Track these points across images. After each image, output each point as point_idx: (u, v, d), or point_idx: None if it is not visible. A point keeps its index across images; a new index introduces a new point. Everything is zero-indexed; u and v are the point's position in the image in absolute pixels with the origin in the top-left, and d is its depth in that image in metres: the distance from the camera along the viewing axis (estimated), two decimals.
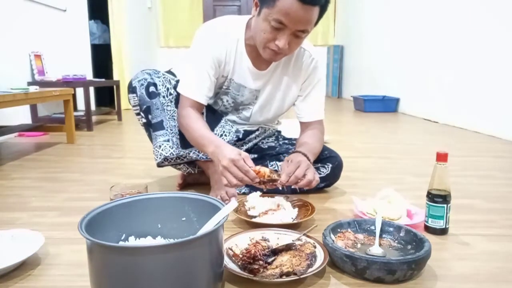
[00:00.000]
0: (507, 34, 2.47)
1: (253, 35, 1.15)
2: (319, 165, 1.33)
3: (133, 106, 1.26)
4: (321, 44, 6.35)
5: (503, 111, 2.51)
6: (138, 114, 1.26)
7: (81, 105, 3.40)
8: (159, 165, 1.28)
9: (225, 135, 1.30)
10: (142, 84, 1.23)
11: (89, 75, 3.78)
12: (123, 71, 4.38)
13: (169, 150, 1.23)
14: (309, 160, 1.10)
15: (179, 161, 1.29)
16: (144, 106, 1.23)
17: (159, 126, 1.23)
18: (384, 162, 1.92)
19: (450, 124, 3.11)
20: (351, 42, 5.71)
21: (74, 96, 2.65)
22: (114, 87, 3.68)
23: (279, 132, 1.53)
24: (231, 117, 1.36)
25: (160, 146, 1.23)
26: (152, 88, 1.23)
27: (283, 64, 1.26)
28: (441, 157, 0.98)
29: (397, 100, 4.13)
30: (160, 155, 1.23)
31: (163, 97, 1.24)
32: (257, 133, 1.40)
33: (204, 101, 1.21)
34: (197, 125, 1.15)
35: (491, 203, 1.29)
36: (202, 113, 1.27)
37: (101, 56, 4.36)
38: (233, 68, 1.23)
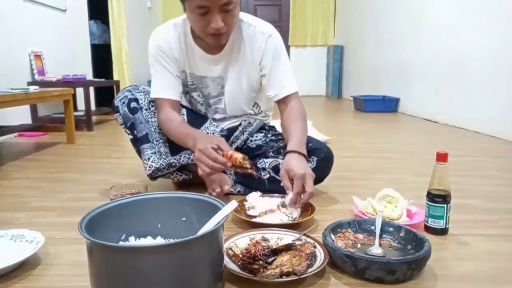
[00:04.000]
0: (507, 34, 2.47)
1: (193, 29, 1.18)
2: None
3: (121, 125, 1.30)
4: (321, 44, 6.35)
5: (503, 111, 2.51)
6: (126, 131, 1.30)
7: (81, 105, 3.39)
8: (152, 176, 1.29)
9: None
10: (123, 102, 1.27)
11: (89, 75, 3.78)
12: (123, 71, 4.38)
13: (158, 161, 1.25)
14: (305, 158, 1.12)
15: (172, 169, 1.30)
16: (129, 123, 1.27)
17: (145, 139, 1.26)
18: (384, 162, 1.91)
19: (450, 124, 3.11)
20: (351, 42, 5.71)
21: (74, 96, 2.66)
22: (114, 87, 3.68)
23: (271, 127, 1.48)
24: (210, 115, 1.37)
25: (149, 159, 1.25)
26: (133, 104, 1.27)
27: (238, 45, 1.25)
28: (441, 157, 0.98)
29: (397, 100, 4.13)
30: (150, 166, 1.25)
31: (146, 110, 1.28)
32: (240, 128, 1.38)
33: (176, 96, 1.25)
34: (174, 125, 1.20)
35: (491, 203, 1.29)
36: (182, 113, 1.29)
37: (101, 56, 4.36)
38: (188, 61, 1.26)
